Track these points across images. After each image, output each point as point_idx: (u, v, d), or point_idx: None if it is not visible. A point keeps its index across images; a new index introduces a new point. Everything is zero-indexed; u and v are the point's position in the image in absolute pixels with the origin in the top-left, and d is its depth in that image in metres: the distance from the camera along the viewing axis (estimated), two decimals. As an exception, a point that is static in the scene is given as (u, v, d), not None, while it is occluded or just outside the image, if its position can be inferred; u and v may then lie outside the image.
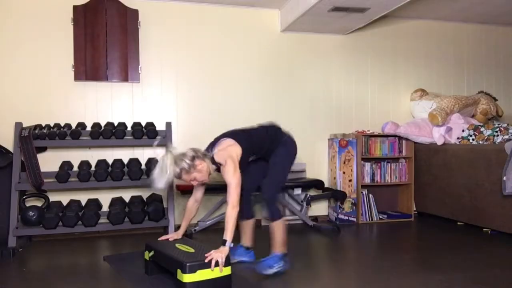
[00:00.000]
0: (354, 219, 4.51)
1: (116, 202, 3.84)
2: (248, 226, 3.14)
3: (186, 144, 4.29)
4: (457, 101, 4.64)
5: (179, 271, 2.35)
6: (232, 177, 2.59)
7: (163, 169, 2.52)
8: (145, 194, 4.09)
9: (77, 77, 4.02)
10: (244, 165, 2.77)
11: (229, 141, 2.76)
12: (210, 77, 4.44)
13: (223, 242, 2.48)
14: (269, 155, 2.91)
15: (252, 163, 2.97)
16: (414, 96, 4.94)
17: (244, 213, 3.05)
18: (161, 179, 2.52)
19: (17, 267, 3.10)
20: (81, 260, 3.26)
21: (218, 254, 2.40)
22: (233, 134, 2.83)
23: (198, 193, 2.95)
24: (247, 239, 3.14)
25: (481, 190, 3.96)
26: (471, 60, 5.27)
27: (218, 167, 2.73)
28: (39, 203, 3.75)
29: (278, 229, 2.83)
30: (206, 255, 2.41)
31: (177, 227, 3.89)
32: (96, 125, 3.95)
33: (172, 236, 2.91)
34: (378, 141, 4.65)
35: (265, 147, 2.89)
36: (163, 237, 2.93)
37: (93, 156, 4.06)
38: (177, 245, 2.69)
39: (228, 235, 2.50)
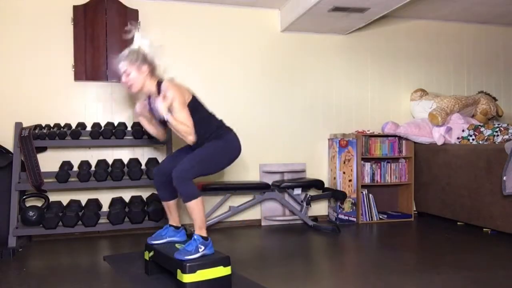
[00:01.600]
0: (354, 219, 4.51)
1: (116, 202, 3.84)
2: (172, 206, 2.94)
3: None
4: (457, 101, 4.64)
5: (179, 271, 2.35)
6: (179, 104, 2.54)
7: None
8: (145, 194, 4.09)
9: (77, 77, 4.02)
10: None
11: (185, 86, 2.72)
12: (210, 77, 4.44)
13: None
14: (203, 142, 2.73)
15: (184, 149, 2.88)
16: (414, 96, 4.94)
17: (165, 195, 2.90)
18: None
19: (17, 267, 3.10)
20: (81, 260, 3.26)
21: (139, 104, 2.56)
22: (193, 96, 2.78)
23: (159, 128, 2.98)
24: (173, 219, 2.96)
25: (481, 190, 3.96)
26: (471, 60, 5.27)
27: (158, 92, 2.65)
28: (39, 203, 3.75)
29: (193, 208, 2.58)
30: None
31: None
32: (96, 125, 3.95)
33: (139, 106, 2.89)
34: (378, 141, 4.65)
35: (206, 127, 2.73)
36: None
37: (93, 156, 4.05)
38: (177, 245, 2.69)
39: (171, 116, 2.53)
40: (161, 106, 2.45)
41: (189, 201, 2.57)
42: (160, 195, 2.92)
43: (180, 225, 2.97)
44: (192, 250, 2.48)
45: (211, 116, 2.84)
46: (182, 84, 2.78)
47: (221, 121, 2.89)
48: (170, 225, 2.96)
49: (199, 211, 2.59)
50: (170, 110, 2.57)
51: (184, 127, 2.57)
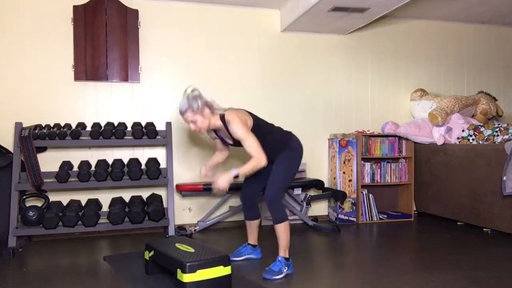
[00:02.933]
0: (354, 219, 4.51)
1: (116, 202, 3.84)
2: (253, 225, 3.20)
3: (186, 144, 4.33)
4: (457, 101, 4.64)
5: (179, 271, 2.35)
6: (244, 132, 2.64)
7: (183, 97, 2.67)
8: (145, 194, 4.09)
9: (77, 77, 4.02)
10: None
11: (243, 111, 2.83)
12: (210, 77, 4.44)
13: (234, 172, 2.58)
14: (275, 157, 2.90)
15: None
16: (414, 96, 4.94)
17: (248, 214, 3.17)
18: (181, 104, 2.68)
19: (17, 267, 3.10)
20: (81, 260, 3.26)
21: (221, 179, 2.52)
22: (250, 112, 2.88)
23: (223, 151, 3.11)
24: (253, 238, 3.21)
25: (481, 190, 3.96)
26: (471, 60, 5.27)
27: (224, 126, 2.74)
28: (39, 203, 3.75)
29: (281, 232, 2.80)
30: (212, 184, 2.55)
31: (177, 227, 3.91)
32: (96, 125, 3.95)
33: (205, 169, 3.02)
34: (378, 141, 4.65)
35: (273, 143, 2.87)
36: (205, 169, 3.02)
37: (93, 156, 4.06)
38: (177, 245, 2.69)
39: (243, 171, 2.59)
40: (222, 183, 2.55)
41: (278, 224, 2.79)
42: (245, 215, 3.19)
43: (257, 244, 3.23)
44: (278, 271, 2.74)
45: (273, 130, 2.96)
46: (240, 110, 2.84)
47: (280, 129, 3.03)
48: (249, 244, 3.21)
49: (285, 234, 2.82)
50: (236, 140, 2.74)
51: (253, 153, 2.64)
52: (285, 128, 3.08)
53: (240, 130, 2.64)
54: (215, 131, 2.92)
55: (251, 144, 2.63)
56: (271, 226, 4.37)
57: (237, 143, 2.78)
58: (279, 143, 2.91)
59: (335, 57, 4.80)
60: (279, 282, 2.70)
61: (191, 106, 2.64)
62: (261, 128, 2.82)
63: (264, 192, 2.85)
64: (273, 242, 3.02)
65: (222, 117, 2.73)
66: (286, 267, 2.77)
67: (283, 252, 2.81)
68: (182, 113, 2.69)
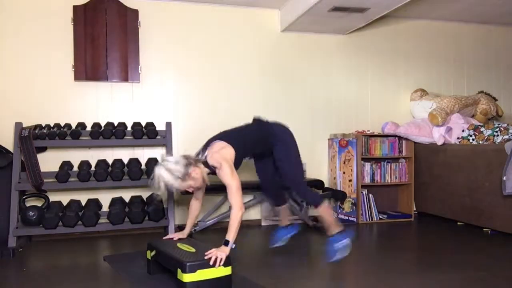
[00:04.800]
0: (354, 219, 4.51)
1: (116, 202, 3.84)
2: (284, 210, 3.38)
3: (186, 144, 4.32)
4: (457, 101, 4.64)
5: (179, 270, 2.35)
6: (231, 179, 2.59)
7: (159, 181, 2.52)
8: (145, 194, 4.09)
9: (77, 77, 4.02)
10: (238, 164, 2.79)
11: (221, 144, 2.75)
12: (210, 77, 4.44)
13: (225, 242, 2.48)
14: (268, 152, 2.97)
15: (260, 158, 3.12)
16: (414, 96, 4.94)
17: (278, 202, 3.34)
18: (160, 188, 2.54)
19: (17, 267, 3.10)
20: (81, 260, 3.26)
21: (219, 253, 2.40)
22: (225, 136, 2.82)
23: (198, 194, 2.97)
24: (285, 221, 3.38)
25: (481, 190, 3.96)
26: (471, 60, 5.27)
27: (212, 170, 2.72)
28: (39, 203, 3.75)
29: (323, 213, 2.98)
30: (206, 253, 2.41)
31: (177, 227, 3.91)
32: (96, 125, 3.95)
33: (177, 235, 2.92)
34: (378, 141, 4.65)
35: (259, 146, 2.95)
36: (168, 236, 2.94)
37: (93, 156, 4.05)
38: (178, 244, 2.69)
39: (231, 236, 2.50)
40: (221, 257, 2.43)
41: (318, 207, 2.97)
42: (274, 203, 3.39)
43: (289, 222, 3.43)
44: (340, 248, 2.95)
45: (251, 136, 2.95)
46: (218, 147, 2.74)
47: (257, 127, 3.03)
48: (283, 226, 3.38)
49: (327, 213, 3.00)
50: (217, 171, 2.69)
51: (233, 202, 2.59)
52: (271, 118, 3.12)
53: (227, 176, 2.59)
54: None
55: (234, 192, 2.58)
56: (271, 226, 4.38)
57: None
58: (263, 141, 2.95)
59: (335, 57, 4.80)
60: (278, 282, 2.70)
61: (178, 177, 2.54)
62: (242, 145, 2.81)
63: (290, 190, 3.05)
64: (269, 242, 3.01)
65: (207, 164, 2.69)
66: (344, 238, 2.96)
67: (332, 230, 2.98)
68: (175, 188, 2.60)
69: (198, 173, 2.62)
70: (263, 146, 2.95)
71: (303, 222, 4.37)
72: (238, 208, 2.56)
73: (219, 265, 2.37)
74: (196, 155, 2.74)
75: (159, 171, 2.53)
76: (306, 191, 3.08)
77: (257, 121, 3.08)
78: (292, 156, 2.99)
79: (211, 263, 2.35)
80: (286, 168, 2.96)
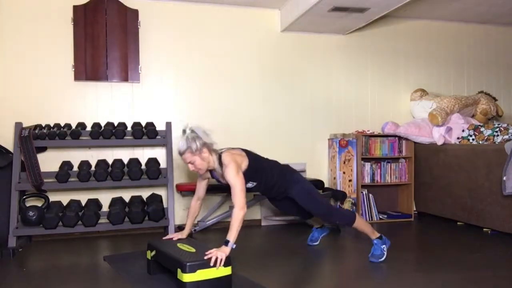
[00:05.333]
0: (354, 219, 4.50)
1: (116, 202, 3.84)
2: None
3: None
4: (457, 101, 4.64)
5: (179, 270, 2.35)
6: (235, 178, 2.61)
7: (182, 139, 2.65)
8: (145, 194, 4.09)
9: (77, 77, 4.02)
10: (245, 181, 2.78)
11: (240, 151, 2.83)
12: (210, 77, 4.44)
13: (226, 242, 2.48)
14: (282, 195, 3.05)
15: (278, 202, 3.21)
16: (414, 96, 4.94)
17: (303, 217, 3.49)
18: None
19: (17, 267, 3.10)
20: (81, 260, 3.26)
21: (219, 253, 2.40)
22: (248, 151, 2.89)
23: (200, 191, 2.97)
24: (318, 222, 3.59)
25: (481, 190, 3.96)
26: (471, 60, 5.27)
27: (219, 168, 2.73)
28: (39, 203, 3.75)
29: (360, 226, 3.04)
30: (206, 252, 2.41)
31: (177, 227, 3.91)
32: (96, 125, 3.95)
33: (176, 235, 2.92)
34: (378, 141, 4.65)
35: (273, 180, 2.95)
36: (168, 237, 2.95)
37: (93, 156, 4.06)
38: (178, 244, 2.69)
39: (232, 236, 2.50)
40: (221, 258, 2.42)
41: (354, 223, 3.02)
42: (303, 218, 3.69)
43: (322, 224, 3.60)
44: (380, 253, 3.03)
45: (271, 169, 2.98)
46: (237, 151, 2.83)
47: (280, 167, 3.06)
48: (315, 228, 3.59)
49: (363, 226, 3.07)
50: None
51: (236, 201, 2.62)
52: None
53: (232, 174, 2.62)
54: (211, 171, 2.88)
55: (237, 192, 2.61)
56: (271, 226, 4.38)
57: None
58: (281, 178, 2.97)
59: (335, 57, 4.80)
60: (278, 282, 2.70)
61: (190, 147, 2.62)
62: (258, 167, 2.86)
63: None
64: (272, 241, 3.01)
65: (219, 158, 2.72)
66: (384, 245, 3.04)
67: (373, 235, 3.05)
68: (180, 153, 2.68)
69: (208, 158, 2.69)
70: (280, 182, 2.96)
71: (303, 222, 4.37)
72: (240, 208, 2.56)
73: (220, 266, 2.37)
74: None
75: (184, 134, 2.65)
76: (337, 217, 3.09)
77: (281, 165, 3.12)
78: (311, 192, 3.04)
79: (211, 263, 2.35)
80: (314, 208, 3.03)
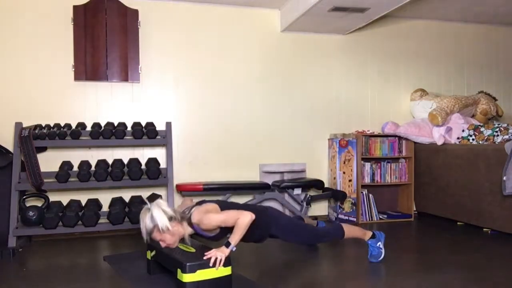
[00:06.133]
0: (354, 219, 4.50)
1: (116, 202, 3.84)
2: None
3: (186, 144, 4.32)
4: (457, 101, 4.64)
5: (179, 270, 2.35)
6: (218, 217, 2.49)
7: (142, 219, 2.50)
8: (145, 194, 4.08)
9: (77, 77, 4.02)
10: (220, 236, 2.65)
11: (211, 205, 2.64)
12: (210, 77, 4.44)
13: (227, 244, 2.45)
14: (264, 236, 2.84)
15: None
16: (414, 96, 4.94)
17: None
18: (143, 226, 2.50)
19: (17, 267, 3.10)
20: (81, 260, 3.26)
21: (219, 253, 2.39)
22: (218, 201, 2.73)
23: None
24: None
25: (481, 190, 3.96)
26: (471, 60, 5.27)
27: (196, 231, 2.61)
28: (39, 203, 3.75)
29: (350, 234, 3.04)
30: (206, 253, 2.40)
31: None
32: (96, 125, 3.95)
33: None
34: (378, 141, 4.65)
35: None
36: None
37: (93, 156, 4.06)
38: (178, 244, 2.69)
39: (234, 239, 2.46)
40: (220, 258, 2.39)
41: (344, 236, 3.01)
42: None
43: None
44: (378, 252, 3.04)
45: (246, 206, 2.83)
46: (205, 205, 2.63)
47: (254, 208, 2.84)
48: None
49: (352, 233, 3.06)
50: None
51: (236, 218, 2.50)
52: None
53: (214, 220, 2.49)
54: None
55: (235, 216, 2.48)
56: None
57: (219, 235, 2.64)
58: (260, 220, 2.68)
59: (335, 57, 4.80)
60: (278, 282, 2.70)
61: (156, 225, 2.47)
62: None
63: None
64: (272, 241, 3.01)
65: (190, 223, 2.59)
66: (379, 242, 3.05)
67: (366, 237, 3.06)
68: (149, 233, 2.52)
69: (178, 230, 2.54)
70: (257, 225, 2.66)
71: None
72: (248, 214, 2.49)
73: (219, 266, 2.37)
74: (188, 209, 2.64)
75: (148, 212, 2.48)
76: (324, 236, 3.05)
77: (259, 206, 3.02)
78: (289, 228, 2.86)
79: (210, 264, 2.35)
80: (296, 240, 2.97)
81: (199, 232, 2.62)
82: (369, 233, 3.07)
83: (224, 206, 2.67)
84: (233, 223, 2.50)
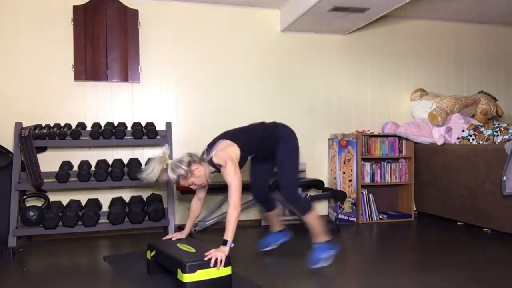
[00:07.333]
0: (354, 219, 4.51)
1: (116, 202, 3.84)
2: (273, 215, 3.32)
3: (186, 144, 4.32)
4: (457, 101, 4.64)
5: (179, 270, 2.35)
6: (233, 178, 2.60)
7: (150, 168, 2.55)
8: (145, 194, 4.09)
9: (77, 77, 4.02)
10: (243, 163, 2.80)
11: (227, 142, 2.77)
12: (210, 77, 4.44)
13: (224, 242, 2.48)
14: (271, 153, 2.92)
15: (258, 162, 3.08)
16: (414, 96, 4.94)
17: (266, 207, 3.30)
18: (147, 175, 2.56)
19: (17, 267, 3.10)
20: (81, 260, 3.26)
21: (219, 253, 2.40)
22: (231, 135, 2.83)
23: (200, 193, 2.96)
24: (277, 226, 3.34)
25: (481, 190, 3.96)
26: (471, 60, 5.27)
27: (217, 169, 2.73)
28: (39, 203, 3.75)
29: (312, 221, 2.90)
30: (206, 253, 2.41)
31: (177, 227, 3.91)
32: (96, 125, 3.95)
33: (176, 235, 2.92)
34: (378, 141, 4.65)
35: (264, 146, 2.90)
36: (167, 237, 2.94)
37: (93, 156, 4.06)
38: (178, 244, 2.69)
39: (229, 235, 2.50)
40: (221, 258, 2.42)
41: (305, 215, 2.88)
42: (264, 209, 3.35)
43: (283, 227, 3.37)
44: (326, 257, 2.88)
45: (257, 135, 2.91)
46: (224, 145, 2.74)
47: (263, 129, 2.96)
48: (274, 232, 3.35)
49: (316, 221, 2.91)
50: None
51: (231, 199, 2.58)
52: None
53: (230, 175, 2.60)
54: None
55: (233, 190, 2.58)
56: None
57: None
58: (269, 142, 2.90)
59: (335, 57, 4.80)
60: (278, 282, 2.70)
61: (179, 175, 2.57)
62: (247, 143, 2.81)
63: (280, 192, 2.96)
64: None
65: (211, 161, 2.69)
66: (331, 249, 2.89)
67: (319, 238, 2.92)
68: (177, 184, 2.65)
69: (201, 171, 2.64)
70: (267, 146, 2.90)
71: (303, 222, 4.37)
72: (234, 207, 2.55)
73: (220, 266, 2.37)
74: (201, 154, 2.75)
75: (157, 164, 2.55)
76: (297, 197, 3.01)
77: (263, 123, 3.05)
78: (293, 159, 2.93)
79: (211, 265, 2.35)
80: (285, 169, 2.90)
81: (219, 168, 2.73)
82: (327, 237, 2.93)
83: (241, 141, 2.77)
84: (229, 194, 2.59)
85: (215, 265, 2.36)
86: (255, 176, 3.17)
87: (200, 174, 2.64)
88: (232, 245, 2.50)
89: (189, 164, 2.60)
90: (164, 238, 2.94)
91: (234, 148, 2.74)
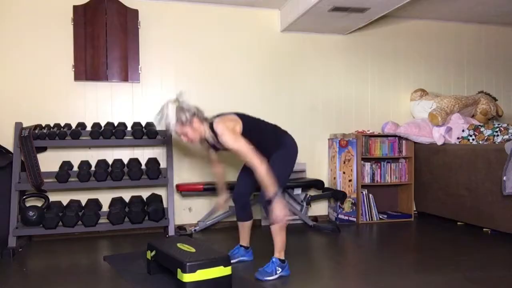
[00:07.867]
0: (354, 219, 4.51)
1: (116, 202, 3.84)
2: (246, 227, 3.15)
3: (186, 144, 4.32)
4: (457, 101, 4.64)
5: (179, 270, 2.35)
6: (236, 143, 2.58)
7: (164, 113, 2.63)
8: (145, 194, 4.09)
9: (77, 77, 4.02)
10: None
11: (232, 116, 2.77)
12: (210, 77, 4.44)
13: (273, 197, 2.48)
14: (267, 157, 2.84)
15: (244, 169, 3.01)
16: (414, 96, 4.94)
17: (241, 214, 3.12)
18: (160, 121, 2.64)
19: (17, 267, 3.10)
20: (81, 260, 3.26)
21: (278, 210, 2.45)
22: (240, 114, 2.83)
23: (212, 155, 3.05)
24: (245, 240, 3.17)
25: (481, 190, 3.96)
26: (471, 60, 5.27)
27: (215, 139, 2.71)
28: (39, 203, 3.75)
29: (278, 233, 2.75)
30: (272, 220, 2.52)
31: (177, 227, 3.91)
32: (96, 125, 3.95)
33: (220, 200, 3.09)
34: (378, 141, 4.65)
35: (266, 142, 2.83)
36: (213, 209, 3.10)
37: (93, 156, 4.05)
38: (178, 244, 2.69)
39: (272, 189, 2.50)
40: (281, 211, 2.49)
41: (276, 223, 2.69)
42: (238, 216, 3.14)
43: (249, 246, 3.18)
44: (271, 272, 2.71)
45: (266, 129, 2.92)
46: (229, 116, 2.78)
47: (274, 128, 2.97)
48: (241, 246, 3.16)
49: (281, 235, 2.76)
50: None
51: (253, 162, 2.56)
52: (285, 128, 3.06)
53: (231, 141, 2.58)
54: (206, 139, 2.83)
55: (245, 153, 2.56)
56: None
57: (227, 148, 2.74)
58: (272, 141, 2.86)
59: (335, 57, 4.80)
60: (279, 282, 2.70)
61: (179, 119, 2.58)
62: (252, 129, 2.78)
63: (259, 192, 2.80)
64: (272, 241, 3.01)
65: (211, 126, 2.69)
66: (280, 269, 2.73)
67: (278, 253, 2.77)
68: (169, 125, 2.62)
69: (200, 128, 2.67)
70: (266, 146, 2.82)
71: (303, 222, 4.38)
72: (257, 165, 2.52)
73: (287, 219, 2.50)
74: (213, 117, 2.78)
75: (169, 105, 2.62)
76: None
77: (276, 125, 3.04)
78: (283, 167, 2.84)
79: (279, 222, 2.45)
80: (275, 170, 2.71)
81: (211, 141, 2.75)
82: (283, 257, 2.78)
83: (248, 126, 2.74)
84: (244, 159, 2.57)
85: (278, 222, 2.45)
86: (240, 180, 3.12)
87: (198, 128, 2.66)
88: (279, 192, 2.53)
89: (193, 114, 2.64)
90: (212, 208, 2.98)
91: (237, 124, 2.72)
